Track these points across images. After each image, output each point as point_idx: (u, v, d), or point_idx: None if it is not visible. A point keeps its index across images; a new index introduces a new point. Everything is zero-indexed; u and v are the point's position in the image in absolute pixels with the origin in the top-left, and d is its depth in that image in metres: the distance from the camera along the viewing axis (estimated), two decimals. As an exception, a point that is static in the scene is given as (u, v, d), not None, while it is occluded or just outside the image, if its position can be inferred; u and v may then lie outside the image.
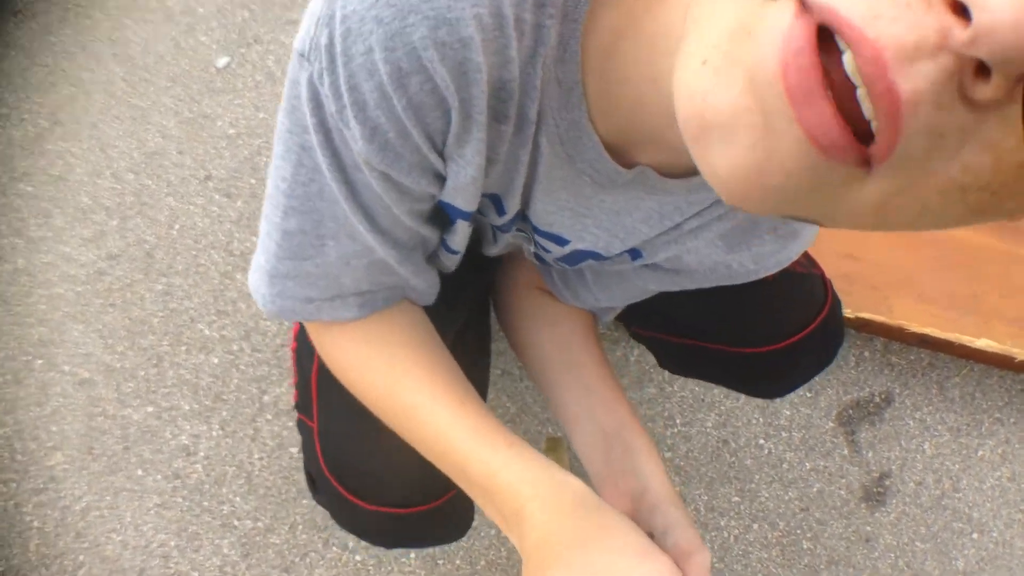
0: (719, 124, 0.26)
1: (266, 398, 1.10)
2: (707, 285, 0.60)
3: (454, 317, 0.73)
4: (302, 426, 0.71)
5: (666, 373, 1.20)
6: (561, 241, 0.55)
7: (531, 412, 1.17)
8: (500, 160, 0.44)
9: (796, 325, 0.71)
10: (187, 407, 1.09)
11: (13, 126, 1.28)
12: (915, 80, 0.22)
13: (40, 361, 1.12)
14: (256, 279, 0.51)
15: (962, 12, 0.21)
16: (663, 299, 0.67)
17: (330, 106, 0.38)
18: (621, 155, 0.43)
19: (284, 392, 1.10)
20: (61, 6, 1.39)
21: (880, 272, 1.19)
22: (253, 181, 1.23)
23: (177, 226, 1.19)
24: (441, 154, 0.42)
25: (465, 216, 0.48)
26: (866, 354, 1.30)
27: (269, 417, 1.09)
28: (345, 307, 0.52)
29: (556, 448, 1.09)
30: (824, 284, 0.75)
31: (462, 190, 0.44)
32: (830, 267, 1.10)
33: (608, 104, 0.40)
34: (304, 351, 0.71)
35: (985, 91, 0.22)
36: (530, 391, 1.17)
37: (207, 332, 1.13)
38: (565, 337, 0.71)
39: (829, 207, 0.27)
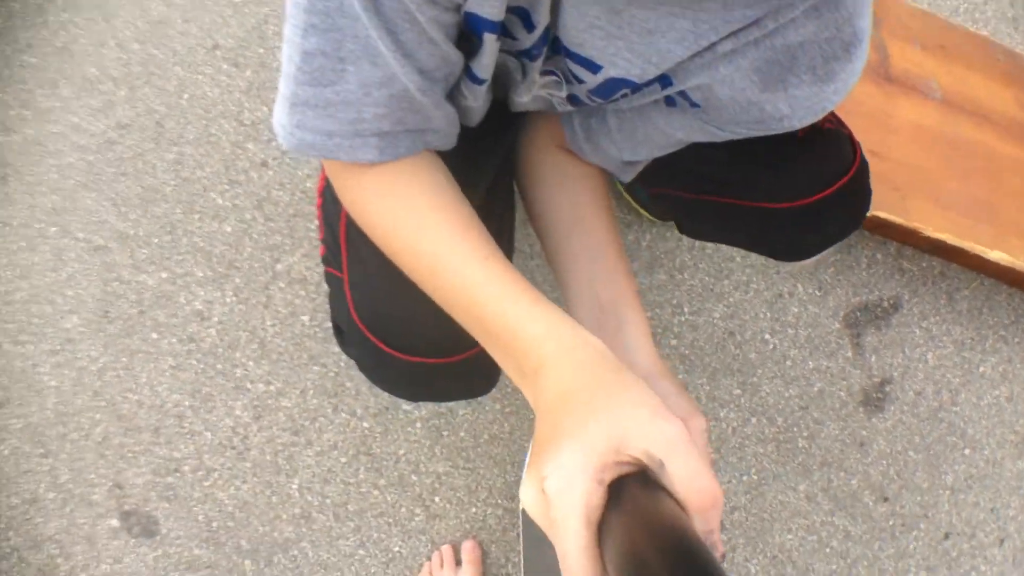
0: None
1: (279, 266, 1.13)
2: (736, 132, 0.60)
3: (479, 180, 0.74)
4: (331, 278, 0.72)
5: (677, 260, 1.24)
6: (593, 67, 0.55)
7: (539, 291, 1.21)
8: None
9: (824, 182, 0.71)
10: (201, 274, 1.13)
11: (14, -3, 1.28)
12: None
13: (54, 228, 1.15)
14: (278, 110, 0.53)
15: None
16: (687, 154, 0.68)
17: None
18: None
19: (296, 261, 1.13)
20: None
21: (901, 172, 1.20)
22: (261, 50, 1.24)
23: (186, 95, 1.21)
24: None
25: (493, 28, 0.50)
26: (878, 256, 1.32)
27: (282, 285, 1.13)
28: (365, 147, 0.52)
29: None
30: (852, 144, 0.74)
31: None
32: None
33: None
34: (330, 204, 0.72)
35: None
36: (540, 269, 1.21)
37: (220, 201, 1.15)
38: (576, 199, 0.73)
39: None
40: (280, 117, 0.52)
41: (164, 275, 1.13)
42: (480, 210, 0.60)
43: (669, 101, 0.60)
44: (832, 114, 0.73)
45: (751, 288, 1.26)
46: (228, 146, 1.18)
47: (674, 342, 1.22)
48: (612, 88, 0.58)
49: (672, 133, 0.64)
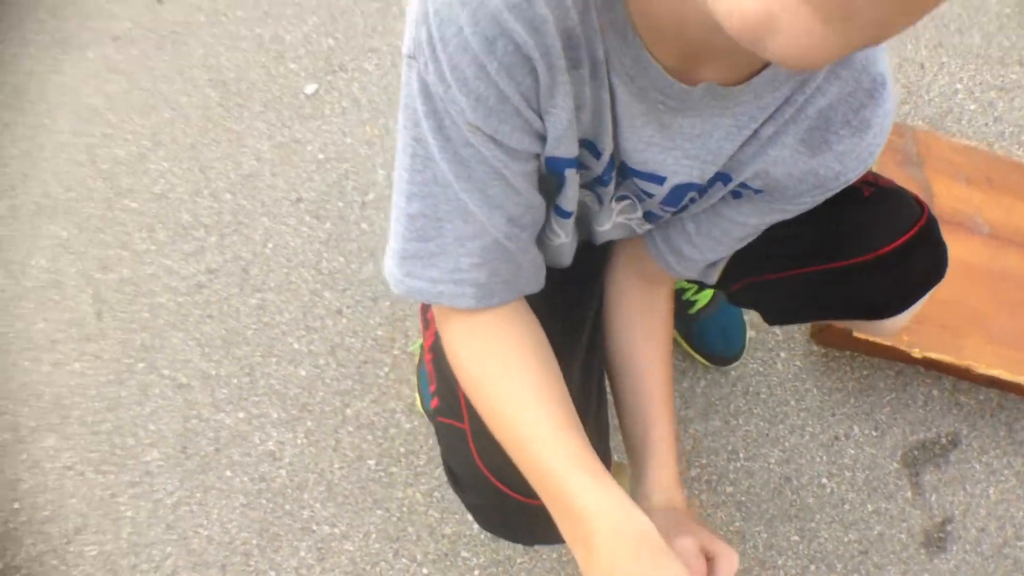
0: (762, 23, 0.34)
1: (348, 411, 1.23)
2: (804, 203, 0.67)
3: (576, 340, 0.84)
4: (447, 429, 0.79)
5: (732, 405, 1.30)
6: (658, 179, 0.64)
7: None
8: (586, 104, 0.55)
9: (898, 231, 0.76)
10: (275, 415, 1.23)
11: (118, 146, 1.44)
12: None
13: (142, 364, 1.26)
14: (389, 263, 0.63)
15: None
16: (764, 239, 0.76)
17: (438, 90, 0.50)
18: (684, 77, 0.53)
19: (365, 407, 1.23)
20: (157, 33, 1.55)
21: (950, 311, 1.25)
22: (340, 204, 1.37)
23: (271, 244, 1.34)
24: (537, 112, 0.54)
25: (572, 164, 0.60)
26: (934, 393, 1.37)
27: (351, 429, 1.22)
28: (463, 295, 0.61)
29: (618, 474, 1.19)
30: (916, 199, 0.80)
31: (562, 138, 0.56)
32: None
33: (658, 34, 0.50)
34: (443, 357, 0.82)
35: None
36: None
37: (296, 346, 1.26)
38: (638, 347, 0.85)
39: (862, 15, 0.33)
40: (391, 268, 0.63)
41: (241, 415, 1.23)
42: (577, 384, 0.72)
43: (735, 195, 0.68)
44: (891, 180, 0.81)
45: (806, 432, 1.31)
46: (307, 294, 1.30)
47: (730, 489, 1.27)
48: (680, 195, 0.67)
49: (746, 222, 0.71)
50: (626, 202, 0.71)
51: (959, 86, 1.61)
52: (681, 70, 0.52)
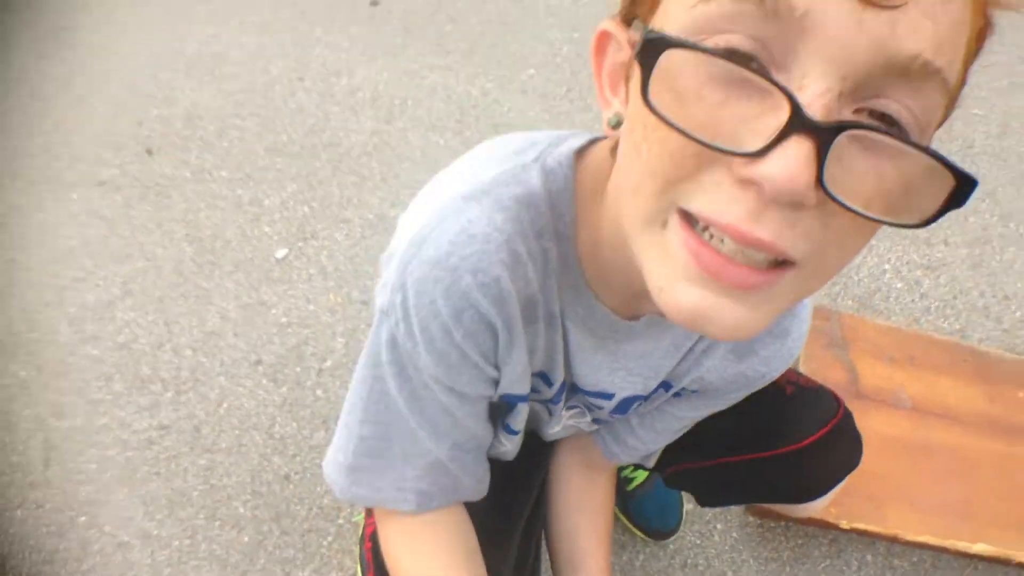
0: (698, 313, 0.40)
1: (288, 581, 1.27)
2: (733, 398, 0.78)
3: (515, 521, 0.92)
4: None
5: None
6: (607, 396, 0.74)
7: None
8: (540, 348, 0.65)
9: (819, 422, 0.88)
10: (214, 581, 1.26)
11: (88, 290, 1.50)
12: (762, 225, 0.36)
13: (84, 518, 1.29)
14: (332, 471, 0.71)
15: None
16: (695, 432, 0.86)
17: (406, 345, 0.59)
18: (628, 313, 0.63)
19: (305, 577, 1.27)
20: (143, 183, 1.65)
21: (875, 483, 1.35)
22: (298, 369, 1.45)
23: (225, 405, 1.40)
24: (494, 364, 0.63)
25: (523, 399, 0.69)
26: (868, 558, 1.46)
27: (288, 600, 1.25)
28: (405, 501, 0.69)
29: None
30: (834, 395, 0.93)
31: (516, 381, 0.65)
32: None
33: (607, 285, 0.60)
34: (378, 553, 0.89)
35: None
36: None
37: (241, 510, 1.31)
38: (580, 532, 0.94)
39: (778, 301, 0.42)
40: (335, 476, 0.71)
41: (180, 578, 1.26)
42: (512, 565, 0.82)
43: (675, 395, 0.78)
44: (811, 379, 0.93)
45: None
46: (256, 457, 1.35)
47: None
48: (627, 405, 0.77)
49: (684, 415, 0.82)
50: (575, 410, 0.82)
51: (887, 266, 1.77)
52: (625, 308, 0.63)
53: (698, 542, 1.42)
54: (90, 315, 1.48)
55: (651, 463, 0.93)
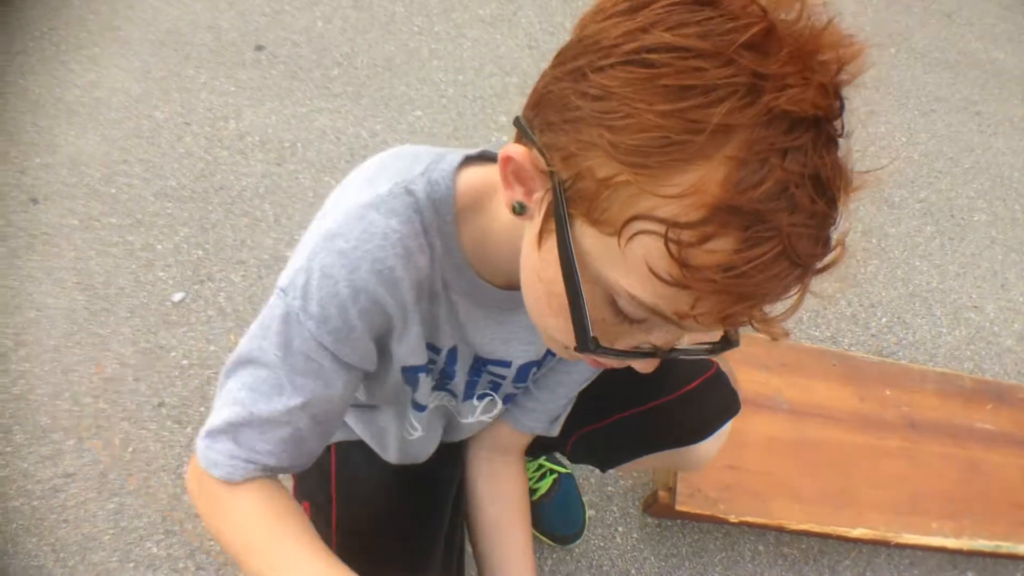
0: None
1: (206, 614, 1.38)
2: None
3: (437, 521, 1.09)
4: None
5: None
6: (505, 364, 0.90)
7: None
8: (427, 321, 0.80)
9: (692, 376, 1.10)
10: (131, 620, 1.36)
11: (-23, 345, 1.58)
12: None
13: (-9, 572, 1.37)
14: (200, 436, 0.80)
15: None
16: (584, 398, 1.06)
17: (299, 319, 0.69)
18: (511, 286, 0.76)
19: (223, 610, 1.39)
20: (29, 232, 1.73)
21: (759, 480, 1.57)
22: (203, 409, 1.57)
23: (131, 448, 1.50)
24: (382, 342, 0.76)
25: (423, 369, 0.85)
26: (760, 548, 1.69)
27: (207, 632, 1.37)
28: (248, 472, 0.76)
29: None
30: (711, 360, 1.14)
31: (412, 351, 0.80)
32: (714, 478, 1.53)
33: (487, 267, 0.76)
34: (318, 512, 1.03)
35: None
36: None
37: (155, 550, 1.41)
38: (502, 515, 1.11)
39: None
40: (200, 442, 0.79)
41: (96, 621, 1.36)
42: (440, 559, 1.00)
43: None
44: None
45: None
46: (166, 497, 1.46)
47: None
48: (525, 372, 0.94)
49: (569, 371, 1.00)
50: (487, 399, 0.99)
51: None
52: (507, 282, 0.80)
53: (602, 544, 1.62)
54: (-20, 370, 1.56)
55: (556, 430, 1.11)
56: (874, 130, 2.73)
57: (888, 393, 1.79)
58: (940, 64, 3.10)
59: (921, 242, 2.43)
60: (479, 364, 0.92)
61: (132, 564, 1.40)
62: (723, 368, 1.15)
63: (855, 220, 2.29)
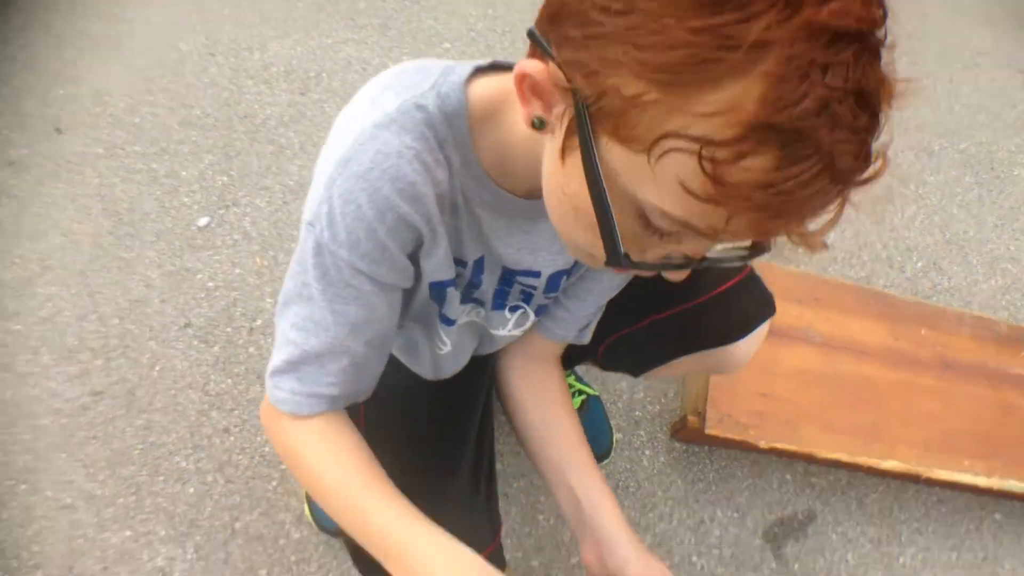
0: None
1: (238, 524, 1.37)
2: None
3: (471, 413, 1.07)
4: None
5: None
6: (535, 274, 0.88)
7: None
8: (452, 234, 0.78)
9: (727, 277, 1.06)
10: (163, 532, 1.35)
11: (5, 268, 1.58)
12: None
13: (24, 486, 1.37)
14: (267, 376, 0.81)
15: None
16: (615, 303, 1.03)
17: (330, 248, 0.70)
18: (533, 196, 0.74)
19: (254, 520, 1.37)
20: (53, 161, 1.73)
21: (790, 408, 1.54)
22: (229, 330, 1.56)
23: (158, 367, 1.50)
24: (413, 257, 0.74)
25: (451, 283, 0.83)
26: (788, 477, 1.66)
27: (240, 543, 1.36)
28: (311, 406, 0.78)
29: None
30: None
31: (440, 266, 0.78)
32: (745, 404, 1.49)
33: (507, 177, 0.74)
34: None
35: None
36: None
37: (184, 464, 1.41)
38: (548, 414, 1.07)
39: None
40: (266, 380, 0.81)
41: (128, 533, 1.35)
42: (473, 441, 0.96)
43: None
44: None
45: (675, 518, 1.56)
46: (194, 414, 1.46)
47: None
48: (556, 281, 0.91)
49: (599, 278, 0.97)
50: (519, 312, 0.96)
51: None
52: (529, 192, 0.77)
53: (628, 467, 1.60)
54: (9, 292, 1.55)
55: (586, 338, 1.08)
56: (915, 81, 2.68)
57: (923, 333, 1.75)
58: (984, 21, 3.02)
59: (959, 191, 2.37)
60: (508, 275, 0.89)
61: (162, 478, 1.39)
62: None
63: (893, 167, 2.25)
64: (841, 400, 1.59)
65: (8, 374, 1.46)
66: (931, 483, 1.61)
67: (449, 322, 0.91)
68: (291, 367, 0.77)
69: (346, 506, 0.77)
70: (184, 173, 1.76)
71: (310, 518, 1.38)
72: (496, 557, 1.00)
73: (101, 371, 1.48)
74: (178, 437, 1.43)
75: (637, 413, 1.66)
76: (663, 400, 1.68)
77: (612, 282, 1.00)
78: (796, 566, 1.56)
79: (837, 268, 1.98)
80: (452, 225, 0.78)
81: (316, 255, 0.71)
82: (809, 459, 1.55)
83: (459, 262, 0.83)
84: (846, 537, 1.62)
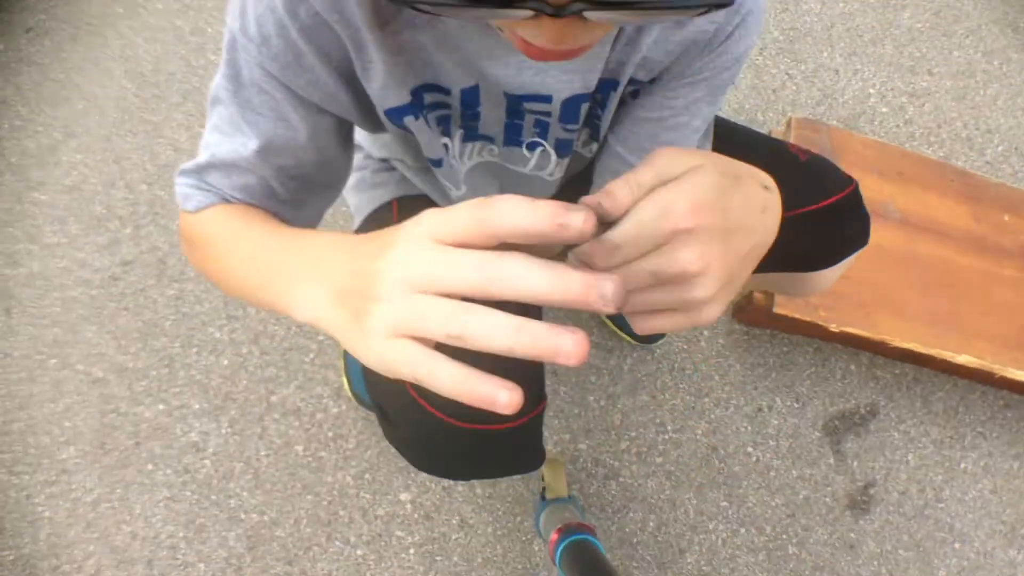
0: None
1: (273, 398, 1.28)
2: (701, 79, 0.74)
3: None
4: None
5: (658, 381, 1.40)
6: (545, 98, 0.72)
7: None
8: (405, 52, 0.63)
9: (828, 192, 0.88)
10: (197, 406, 1.28)
11: (28, 137, 1.48)
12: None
13: (54, 360, 1.30)
14: (175, 177, 0.70)
15: None
16: None
17: (242, 42, 0.59)
18: None
19: (291, 393, 1.28)
20: (72, 24, 1.60)
21: (865, 290, 1.39)
22: (262, 194, 1.44)
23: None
24: (350, 78, 0.63)
25: (407, 111, 0.68)
26: (852, 367, 1.50)
27: (276, 416, 1.27)
28: (214, 198, 0.66)
29: (554, 466, 1.28)
30: (846, 173, 0.92)
31: (386, 88, 0.64)
32: None
33: None
34: None
35: None
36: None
37: (217, 335, 1.32)
38: None
39: None
40: (177, 176, 0.70)
41: (161, 407, 1.27)
42: None
43: (634, 95, 0.77)
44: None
45: (731, 404, 1.42)
46: (228, 282, 1.36)
47: (659, 459, 1.37)
48: (573, 108, 0.74)
49: (660, 116, 0.78)
50: (539, 150, 0.79)
51: (872, 91, 1.78)
52: None
53: (685, 348, 1.45)
54: (33, 162, 1.46)
55: None
56: None
57: (1007, 219, 1.55)
58: None
59: (1044, 73, 2.08)
60: (514, 104, 0.73)
61: (195, 349, 1.31)
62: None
63: (976, 40, 1.97)
64: (918, 284, 1.43)
65: (35, 246, 1.38)
66: (1003, 384, 1.46)
67: (434, 163, 0.78)
68: (199, 170, 0.66)
69: (240, 258, 0.61)
70: (210, 30, 1.61)
71: (349, 392, 1.28)
72: (533, 427, 0.87)
73: (130, 240, 1.39)
74: (211, 307, 1.34)
75: (698, 291, 1.50)
76: (728, 276, 1.52)
77: (668, 116, 0.81)
78: (855, 464, 1.42)
79: (914, 145, 1.76)
80: (410, 40, 0.63)
81: (229, 50, 0.62)
82: (880, 348, 1.39)
83: (437, 88, 0.69)
84: (908, 436, 1.47)
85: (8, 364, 1.30)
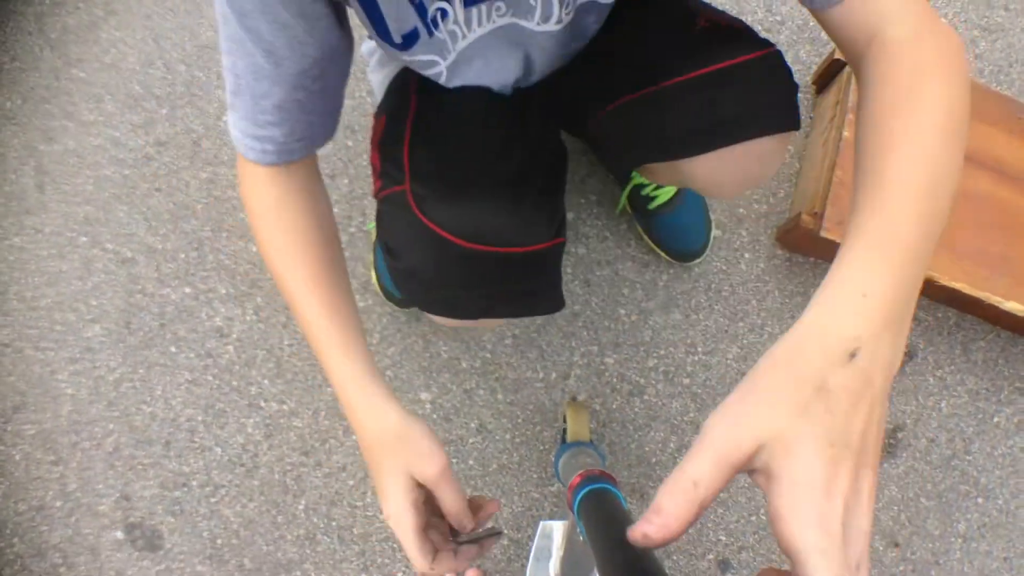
0: None
1: (301, 287, 1.25)
2: None
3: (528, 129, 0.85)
4: (389, 201, 0.79)
5: (693, 301, 1.33)
6: None
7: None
8: None
9: (750, 49, 0.78)
10: (223, 291, 1.25)
11: (68, 14, 1.44)
12: None
13: (84, 238, 1.28)
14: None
15: None
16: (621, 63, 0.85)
17: None
18: None
19: (319, 282, 1.25)
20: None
21: None
22: (301, 80, 1.39)
23: (225, 118, 1.35)
24: None
25: None
26: None
27: (303, 305, 1.24)
28: (264, 152, 0.70)
29: (578, 409, 1.22)
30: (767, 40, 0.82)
31: None
32: None
33: None
34: (389, 140, 0.83)
35: None
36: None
37: (248, 220, 1.28)
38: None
39: None
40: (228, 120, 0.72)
41: (188, 290, 1.25)
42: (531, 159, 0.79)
43: None
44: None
45: (766, 331, 1.35)
46: (261, 168, 1.31)
47: (687, 381, 1.31)
48: None
49: None
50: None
51: (943, 21, 1.64)
52: None
53: (724, 268, 1.36)
54: (73, 38, 1.42)
55: None
56: None
57: None
58: None
59: None
60: None
61: (225, 234, 1.27)
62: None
63: None
64: (973, 222, 1.33)
65: (71, 123, 1.35)
66: (1050, 338, 1.34)
67: (408, 38, 0.71)
68: (232, 97, 0.69)
69: (290, 300, 0.76)
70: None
71: (376, 286, 1.24)
72: (552, 259, 0.81)
73: (166, 120, 1.35)
74: (243, 192, 1.29)
75: (741, 210, 1.41)
76: (771, 200, 1.42)
77: None
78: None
79: (983, 81, 1.61)
80: None
81: None
82: (926, 286, 1.28)
83: None
84: (944, 383, 1.38)
85: (39, 240, 1.28)
